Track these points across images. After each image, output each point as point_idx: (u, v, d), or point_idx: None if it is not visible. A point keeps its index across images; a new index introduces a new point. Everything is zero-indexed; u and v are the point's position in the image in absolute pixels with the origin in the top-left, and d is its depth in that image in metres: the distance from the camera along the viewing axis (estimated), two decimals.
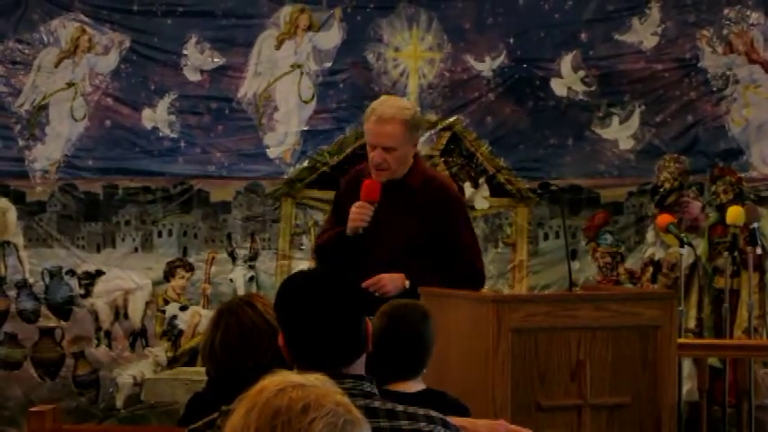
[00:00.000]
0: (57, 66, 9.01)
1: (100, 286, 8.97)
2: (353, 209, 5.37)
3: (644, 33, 8.98)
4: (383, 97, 5.86)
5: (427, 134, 8.79)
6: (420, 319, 4.03)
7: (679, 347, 5.57)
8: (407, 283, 5.33)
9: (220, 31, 9.00)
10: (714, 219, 8.38)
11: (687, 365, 7.85)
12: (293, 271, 7.64)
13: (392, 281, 5.30)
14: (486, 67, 9.01)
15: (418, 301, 4.11)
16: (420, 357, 4.00)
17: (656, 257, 8.74)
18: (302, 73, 9.03)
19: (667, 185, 8.58)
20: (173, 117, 9.00)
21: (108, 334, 8.95)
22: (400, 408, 2.94)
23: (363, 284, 5.08)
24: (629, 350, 5.09)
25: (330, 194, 6.99)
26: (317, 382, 2.13)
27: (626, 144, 8.99)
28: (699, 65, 9.00)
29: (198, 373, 7.24)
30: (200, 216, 9.06)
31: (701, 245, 8.26)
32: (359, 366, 2.98)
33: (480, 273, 5.58)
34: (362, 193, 5.36)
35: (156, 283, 8.97)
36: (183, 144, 9.03)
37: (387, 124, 5.45)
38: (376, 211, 5.38)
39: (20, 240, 8.98)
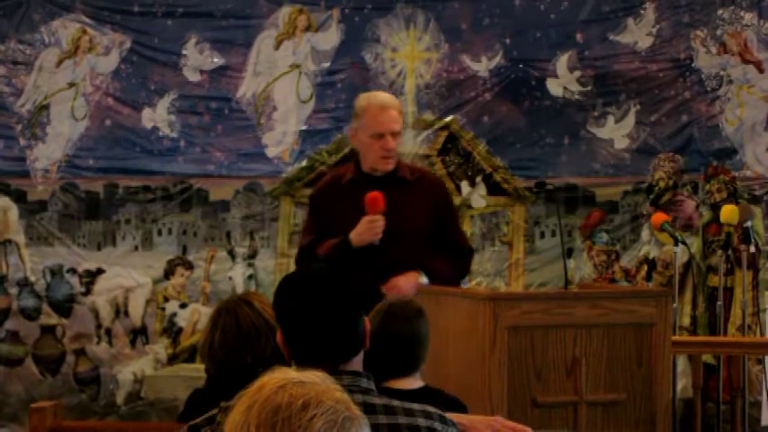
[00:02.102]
0: (58, 66, 9.01)
1: (100, 284, 8.98)
2: (365, 224, 5.29)
3: (639, 34, 9.01)
4: (370, 92, 5.87)
5: (424, 134, 8.84)
6: (414, 315, 4.03)
7: (673, 345, 5.57)
8: (424, 279, 5.34)
9: (220, 32, 9.02)
10: (708, 217, 8.41)
11: (681, 362, 7.88)
12: (292, 269, 7.68)
13: (407, 282, 5.26)
14: (482, 67, 9.03)
15: (412, 298, 4.13)
16: (416, 353, 4.00)
17: (651, 256, 8.78)
18: (301, 73, 9.04)
19: (662, 184, 8.61)
20: (172, 117, 9.01)
21: (108, 331, 8.96)
22: (397, 403, 2.95)
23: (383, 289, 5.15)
24: (625, 347, 5.12)
25: None
26: (316, 378, 2.13)
27: (621, 143, 9.02)
28: (693, 65, 9.02)
29: (197, 370, 7.28)
30: (200, 215, 9.07)
31: (696, 243, 8.29)
32: (357, 363, 3.00)
33: (471, 249, 5.75)
34: (369, 207, 5.29)
35: (156, 281, 8.98)
36: (182, 143, 9.04)
37: (392, 109, 5.44)
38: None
39: (21, 239, 9.00)
